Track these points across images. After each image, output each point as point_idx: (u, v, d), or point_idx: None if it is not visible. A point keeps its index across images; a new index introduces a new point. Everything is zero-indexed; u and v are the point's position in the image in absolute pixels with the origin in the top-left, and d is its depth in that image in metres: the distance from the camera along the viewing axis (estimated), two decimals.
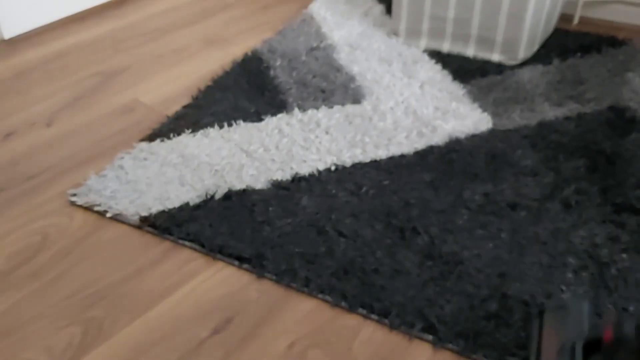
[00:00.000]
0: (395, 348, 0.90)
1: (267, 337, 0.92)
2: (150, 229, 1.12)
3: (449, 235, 1.07)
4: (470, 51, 1.65)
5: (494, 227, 1.09)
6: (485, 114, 1.40)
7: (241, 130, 1.36)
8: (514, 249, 1.04)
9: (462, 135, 1.33)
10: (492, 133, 1.34)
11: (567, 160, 1.25)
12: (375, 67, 1.60)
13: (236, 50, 1.73)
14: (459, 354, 0.88)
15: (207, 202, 1.16)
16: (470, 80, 1.54)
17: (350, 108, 1.43)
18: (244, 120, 1.40)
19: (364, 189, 1.18)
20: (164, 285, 1.01)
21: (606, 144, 1.29)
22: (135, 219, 1.13)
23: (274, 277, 1.01)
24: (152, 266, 1.05)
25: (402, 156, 1.27)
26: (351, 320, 0.94)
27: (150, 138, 1.35)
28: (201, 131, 1.36)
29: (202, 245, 1.07)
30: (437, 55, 1.66)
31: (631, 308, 0.93)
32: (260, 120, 1.40)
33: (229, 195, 1.17)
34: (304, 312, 0.96)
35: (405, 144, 1.31)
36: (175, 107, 1.47)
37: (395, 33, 1.75)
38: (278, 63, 1.62)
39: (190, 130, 1.37)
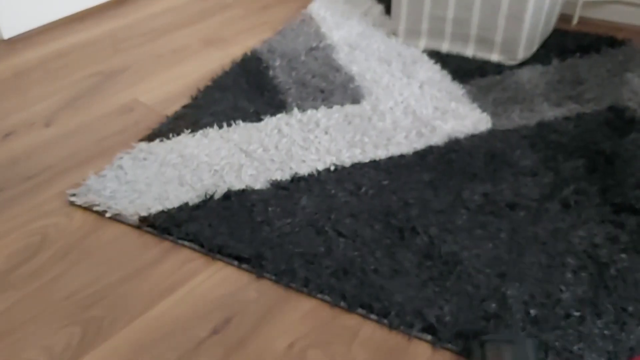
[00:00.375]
0: (394, 348, 0.90)
1: (267, 337, 0.92)
2: (149, 229, 1.12)
3: (448, 235, 1.07)
4: (469, 51, 1.66)
5: (493, 227, 1.09)
6: (485, 114, 1.40)
7: (240, 130, 1.36)
8: (513, 249, 1.04)
9: (461, 135, 1.33)
10: (491, 133, 1.34)
11: (566, 160, 1.25)
12: (375, 67, 1.60)
13: (235, 50, 1.73)
14: (458, 354, 0.88)
15: (207, 202, 1.16)
16: (469, 80, 1.54)
17: (349, 108, 1.44)
18: (244, 120, 1.40)
19: (363, 189, 1.18)
20: (163, 285, 1.01)
21: (605, 144, 1.29)
22: (134, 219, 1.13)
23: (273, 277, 1.01)
24: (151, 266, 1.05)
25: (402, 156, 1.27)
26: (350, 320, 0.94)
27: (150, 138, 1.35)
28: (200, 131, 1.36)
29: (202, 245, 1.07)
30: (436, 56, 1.66)
31: (630, 308, 0.93)
32: (259, 120, 1.40)
33: (228, 195, 1.17)
34: (304, 312, 0.96)
35: (404, 144, 1.31)
36: (174, 107, 1.47)
37: (394, 33, 1.75)
38: (277, 63, 1.62)
39: (189, 130, 1.37)
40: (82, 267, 1.05)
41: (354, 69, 1.59)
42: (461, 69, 1.58)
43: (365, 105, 1.45)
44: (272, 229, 1.10)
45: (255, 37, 1.81)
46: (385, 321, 0.93)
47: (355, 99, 1.47)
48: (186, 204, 1.15)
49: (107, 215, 1.15)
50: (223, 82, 1.55)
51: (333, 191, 1.18)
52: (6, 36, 1.82)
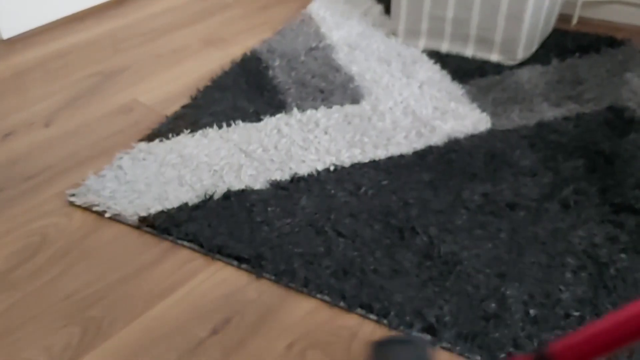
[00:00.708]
0: None
1: (266, 337, 0.92)
2: (149, 229, 1.11)
3: (448, 235, 1.07)
4: (469, 51, 1.66)
5: (493, 227, 1.09)
6: (484, 114, 1.40)
7: (240, 131, 1.36)
8: (513, 249, 1.04)
9: (461, 136, 1.33)
10: (491, 133, 1.34)
11: (566, 161, 1.25)
12: (374, 67, 1.60)
13: (235, 51, 1.73)
14: (457, 354, 0.88)
15: (206, 202, 1.16)
16: (469, 80, 1.54)
17: (349, 108, 1.44)
18: (243, 121, 1.40)
19: (363, 189, 1.18)
20: (162, 286, 1.01)
21: (605, 144, 1.29)
22: (134, 219, 1.13)
23: (272, 277, 1.01)
24: (151, 266, 1.05)
25: (401, 156, 1.27)
26: (350, 320, 0.94)
27: (149, 138, 1.35)
28: (200, 131, 1.36)
29: (201, 246, 1.07)
30: (436, 56, 1.66)
31: None
32: (259, 120, 1.40)
33: (227, 196, 1.17)
34: (303, 312, 0.96)
35: (404, 144, 1.31)
36: (174, 107, 1.47)
37: (394, 33, 1.75)
38: (277, 63, 1.62)
39: (189, 131, 1.37)
40: (81, 267, 1.05)
41: (354, 69, 1.59)
42: (461, 69, 1.58)
43: (365, 105, 1.45)
44: (272, 229, 1.10)
45: (255, 37, 1.81)
46: (385, 321, 0.93)
47: (355, 99, 1.47)
48: (186, 204, 1.15)
49: (107, 215, 1.15)
50: (223, 82, 1.55)
51: (333, 191, 1.18)
52: (6, 36, 1.82)
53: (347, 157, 1.27)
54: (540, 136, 1.32)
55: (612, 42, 1.67)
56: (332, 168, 1.24)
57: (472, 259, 1.02)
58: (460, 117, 1.39)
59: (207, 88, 1.53)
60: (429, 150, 1.29)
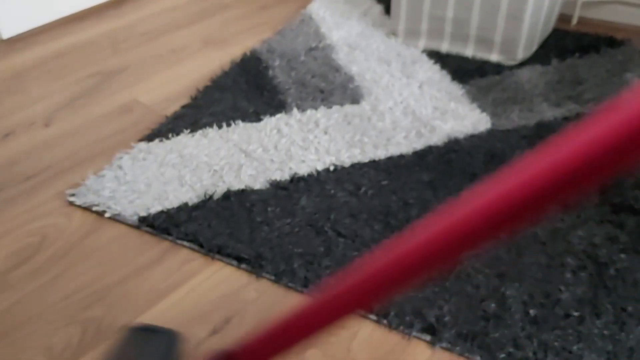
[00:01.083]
0: (393, 348, 0.90)
1: None
2: (148, 229, 1.11)
3: None
4: (469, 51, 1.66)
5: None
6: (484, 114, 1.40)
7: (240, 131, 1.36)
8: (512, 249, 1.04)
9: (460, 136, 1.33)
10: (490, 133, 1.34)
11: None
12: (374, 67, 1.60)
13: (235, 51, 1.73)
14: (457, 354, 0.88)
15: (206, 202, 1.16)
16: (469, 80, 1.54)
17: (349, 108, 1.43)
18: (243, 121, 1.40)
19: (363, 189, 1.18)
20: (162, 286, 1.01)
21: None
22: (134, 219, 1.13)
23: (272, 277, 1.01)
24: (150, 266, 1.05)
25: (401, 156, 1.27)
26: (349, 321, 0.94)
27: (149, 138, 1.35)
28: (200, 131, 1.36)
29: (201, 246, 1.07)
30: (436, 56, 1.66)
31: (629, 308, 0.93)
32: (259, 120, 1.40)
33: (227, 196, 1.17)
34: None
35: (404, 144, 1.31)
36: (174, 107, 1.47)
37: (394, 33, 1.75)
38: (277, 63, 1.62)
39: (189, 131, 1.37)
40: (81, 267, 1.05)
41: (354, 69, 1.59)
42: (461, 69, 1.58)
43: (365, 105, 1.44)
44: (272, 229, 1.10)
45: (255, 37, 1.81)
46: (385, 321, 0.93)
47: (355, 99, 1.47)
48: (185, 204, 1.15)
49: (107, 215, 1.15)
50: (222, 82, 1.55)
51: (332, 191, 1.18)
52: (5, 36, 1.82)
53: (347, 157, 1.27)
54: (540, 136, 1.32)
55: (612, 42, 1.67)
56: (332, 168, 1.24)
57: (472, 259, 1.02)
58: (460, 117, 1.39)
59: (207, 88, 1.53)
60: (429, 150, 1.29)
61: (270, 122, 1.39)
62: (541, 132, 1.33)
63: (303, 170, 1.24)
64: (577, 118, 1.38)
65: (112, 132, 1.40)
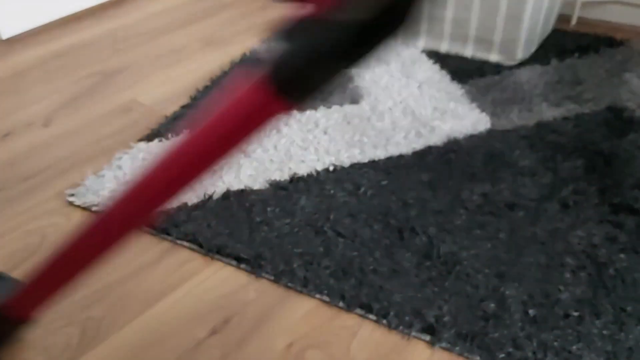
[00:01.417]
0: (393, 348, 0.90)
1: (266, 337, 0.92)
2: (148, 229, 1.11)
3: (447, 236, 1.07)
4: (468, 51, 1.66)
5: (492, 227, 1.09)
6: (484, 114, 1.40)
7: None
8: (512, 249, 1.04)
9: (460, 136, 1.33)
10: (490, 133, 1.34)
11: (565, 161, 1.25)
12: (374, 67, 1.60)
13: (234, 51, 1.73)
14: (457, 354, 0.88)
15: (205, 202, 1.16)
16: (468, 80, 1.54)
17: (348, 108, 1.44)
18: None
19: (362, 189, 1.18)
20: (162, 286, 1.01)
21: (604, 144, 1.29)
22: None
23: (272, 278, 1.01)
24: (150, 266, 1.05)
25: (401, 156, 1.27)
26: (349, 321, 0.94)
27: (149, 138, 1.35)
28: None
29: (200, 246, 1.07)
30: (435, 56, 1.66)
31: (629, 308, 0.94)
32: None
33: (227, 196, 1.17)
34: (302, 312, 0.96)
35: (403, 144, 1.31)
36: (173, 107, 1.47)
37: None
38: None
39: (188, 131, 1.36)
40: None
41: (353, 69, 1.58)
42: (460, 69, 1.58)
43: (364, 105, 1.45)
44: (271, 229, 1.09)
45: (254, 37, 1.81)
46: (384, 321, 0.93)
47: (354, 99, 1.47)
48: (185, 204, 1.15)
49: None
50: (222, 82, 1.55)
51: (332, 191, 1.18)
52: (5, 36, 1.82)
53: (347, 157, 1.27)
54: (540, 136, 1.32)
55: (611, 43, 1.67)
56: (331, 168, 1.24)
57: (471, 259, 1.02)
58: (459, 117, 1.39)
59: (206, 88, 1.53)
60: (428, 150, 1.29)
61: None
62: (540, 132, 1.33)
63: (302, 170, 1.24)
64: (576, 118, 1.38)
65: (112, 132, 1.40)
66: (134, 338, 0.92)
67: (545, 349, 0.88)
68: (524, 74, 1.55)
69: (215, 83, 1.55)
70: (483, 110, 1.42)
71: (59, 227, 1.13)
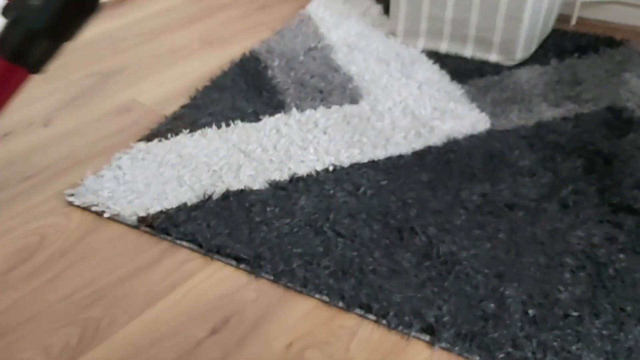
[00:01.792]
0: (393, 348, 0.90)
1: (265, 337, 0.92)
2: (148, 229, 1.11)
3: (447, 236, 1.07)
4: (468, 52, 1.66)
5: (491, 227, 1.09)
6: (483, 114, 1.40)
7: (239, 131, 1.36)
8: (511, 249, 1.05)
9: (459, 136, 1.33)
10: (489, 133, 1.34)
11: (564, 161, 1.25)
12: (373, 67, 1.60)
13: (234, 51, 1.73)
14: (456, 354, 0.88)
15: (205, 203, 1.16)
16: (468, 80, 1.54)
17: (348, 108, 1.44)
18: (242, 121, 1.40)
19: (362, 189, 1.18)
20: (161, 286, 1.01)
21: (603, 144, 1.29)
22: (133, 219, 1.13)
23: (271, 278, 1.01)
24: (149, 266, 1.05)
25: (400, 156, 1.27)
26: (349, 321, 0.94)
27: (148, 138, 1.35)
28: (199, 131, 1.36)
29: (200, 246, 1.07)
30: (435, 56, 1.66)
31: (628, 308, 0.94)
32: (258, 120, 1.40)
33: (226, 196, 1.17)
34: (302, 312, 0.96)
35: (403, 144, 1.31)
36: (173, 107, 1.47)
37: (393, 33, 1.75)
38: (276, 63, 1.62)
39: (188, 131, 1.37)
40: (80, 267, 1.05)
41: (353, 69, 1.59)
42: (460, 69, 1.59)
43: (364, 105, 1.45)
44: (271, 229, 1.10)
45: (254, 37, 1.81)
46: (384, 321, 0.93)
47: (354, 99, 1.47)
48: (185, 204, 1.15)
49: (106, 215, 1.15)
50: (221, 82, 1.55)
51: (332, 191, 1.18)
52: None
53: (346, 157, 1.27)
54: (539, 136, 1.32)
55: (611, 43, 1.67)
56: (331, 168, 1.24)
57: (471, 259, 1.03)
58: (459, 117, 1.39)
59: (206, 88, 1.53)
60: (428, 150, 1.29)
61: (269, 122, 1.39)
62: (540, 132, 1.34)
63: (302, 170, 1.24)
64: (576, 118, 1.38)
65: (111, 132, 1.40)
66: (133, 338, 0.92)
67: (544, 349, 0.88)
68: (524, 74, 1.55)
69: (215, 83, 1.55)
70: (483, 110, 1.42)
71: (59, 227, 1.13)
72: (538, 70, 1.57)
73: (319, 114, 1.41)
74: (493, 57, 1.62)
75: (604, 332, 0.90)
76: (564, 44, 1.68)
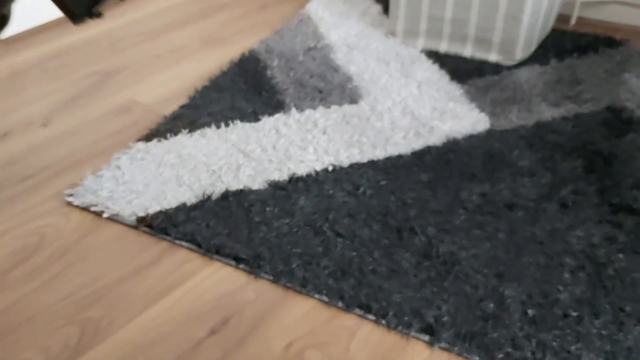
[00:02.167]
0: (392, 348, 0.90)
1: (265, 337, 0.92)
2: (147, 229, 1.11)
3: (446, 236, 1.07)
4: (467, 51, 1.66)
5: (491, 227, 1.09)
6: (483, 114, 1.40)
7: (238, 131, 1.36)
8: (511, 249, 1.05)
9: (459, 136, 1.33)
10: (489, 133, 1.34)
11: (564, 161, 1.25)
12: (373, 67, 1.60)
13: (233, 50, 1.73)
14: (456, 354, 0.88)
15: (204, 203, 1.16)
16: (467, 80, 1.54)
17: (347, 108, 1.44)
18: (241, 121, 1.40)
19: (362, 189, 1.18)
20: (161, 286, 1.01)
21: (603, 144, 1.29)
22: (132, 219, 1.13)
23: (271, 278, 1.01)
24: (149, 267, 1.05)
25: (400, 156, 1.27)
26: (348, 321, 0.94)
27: (147, 138, 1.35)
28: (198, 131, 1.36)
29: (199, 246, 1.07)
30: (434, 56, 1.66)
31: (628, 308, 0.94)
32: (257, 120, 1.40)
33: (226, 196, 1.17)
34: (302, 312, 0.96)
35: (402, 144, 1.31)
36: (172, 107, 1.47)
37: (392, 33, 1.75)
38: (275, 63, 1.62)
39: (187, 131, 1.37)
40: (79, 267, 1.05)
41: (352, 69, 1.59)
42: (459, 69, 1.59)
43: (364, 105, 1.45)
44: (270, 229, 1.09)
45: (253, 37, 1.81)
46: (383, 321, 0.93)
47: (354, 99, 1.47)
48: (184, 204, 1.15)
49: (105, 215, 1.15)
50: (221, 82, 1.55)
51: (331, 191, 1.18)
52: (3, 36, 1.82)
53: (346, 157, 1.27)
54: (539, 136, 1.32)
55: (611, 43, 1.67)
56: (330, 168, 1.24)
57: (471, 259, 1.03)
58: (458, 117, 1.39)
59: (205, 88, 1.53)
60: (428, 150, 1.29)
61: (268, 122, 1.39)
62: (540, 132, 1.34)
63: (301, 170, 1.24)
64: (575, 118, 1.38)
65: (111, 132, 1.40)
66: (133, 338, 0.92)
67: (544, 349, 0.88)
68: (523, 74, 1.55)
69: (214, 83, 1.55)
70: (482, 110, 1.42)
71: (58, 227, 1.13)
72: (538, 70, 1.57)
73: (318, 114, 1.41)
74: (492, 57, 1.62)
75: (604, 332, 0.90)
76: (564, 43, 1.68)
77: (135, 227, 1.12)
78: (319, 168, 1.24)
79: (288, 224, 1.10)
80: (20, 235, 1.12)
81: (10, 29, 1.83)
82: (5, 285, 1.02)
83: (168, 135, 1.35)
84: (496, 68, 1.59)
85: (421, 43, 1.70)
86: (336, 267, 1.01)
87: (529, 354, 0.87)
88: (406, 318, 0.93)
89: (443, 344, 0.89)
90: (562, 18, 1.84)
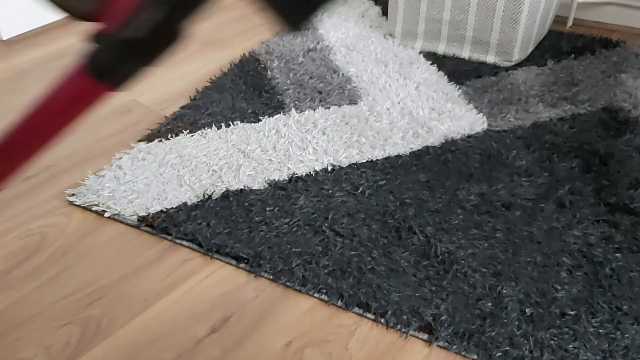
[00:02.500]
0: (391, 347, 0.91)
1: (264, 336, 0.93)
2: (148, 228, 1.12)
3: (445, 235, 1.08)
4: (465, 53, 1.67)
5: (488, 226, 1.10)
6: (480, 114, 1.41)
7: (239, 131, 1.37)
8: (508, 249, 1.05)
9: (457, 136, 1.34)
10: (487, 134, 1.35)
11: (561, 161, 1.26)
12: (372, 68, 1.61)
13: (234, 52, 1.74)
14: (454, 353, 0.89)
15: (205, 202, 1.16)
16: (465, 81, 1.55)
17: (346, 109, 1.44)
18: (242, 121, 1.40)
19: (361, 189, 1.19)
20: (161, 285, 1.02)
21: (600, 144, 1.30)
22: (133, 219, 1.14)
23: (271, 277, 1.02)
24: (150, 266, 1.05)
25: (398, 156, 1.28)
26: (347, 319, 0.95)
27: (149, 138, 1.36)
28: (199, 132, 1.37)
29: (200, 245, 1.08)
30: (432, 57, 1.67)
31: (624, 307, 0.94)
32: (257, 120, 1.41)
33: (226, 195, 1.18)
34: (301, 311, 0.96)
35: (401, 144, 1.32)
36: (173, 108, 1.48)
37: (391, 35, 1.76)
38: (275, 64, 1.63)
39: (188, 131, 1.37)
40: (80, 266, 1.05)
41: (351, 70, 1.60)
42: (457, 70, 1.59)
43: (363, 106, 1.45)
44: (270, 228, 1.10)
45: (253, 38, 1.82)
46: (382, 320, 0.94)
47: (353, 99, 1.48)
48: (185, 203, 1.16)
49: (106, 215, 1.15)
50: (221, 83, 1.56)
51: (330, 191, 1.19)
52: (5, 37, 1.83)
53: (345, 157, 1.28)
54: (536, 137, 1.33)
55: (607, 44, 1.68)
56: (329, 168, 1.25)
57: (469, 259, 1.03)
58: (456, 117, 1.40)
59: (206, 89, 1.54)
60: (426, 150, 1.30)
61: (268, 123, 1.39)
62: (537, 132, 1.34)
63: (301, 170, 1.24)
64: (572, 118, 1.39)
65: (112, 132, 1.41)
66: (133, 337, 0.93)
67: (541, 348, 0.89)
68: (521, 75, 1.56)
69: (215, 83, 1.56)
70: (480, 110, 1.43)
71: (59, 226, 1.14)
72: (535, 71, 1.58)
73: (317, 115, 1.42)
74: (490, 58, 1.63)
75: (601, 330, 0.91)
76: (561, 45, 1.69)
77: (136, 227, 1.13)
78: (318, 168, 1.25)
79: (288, 224, 1.11)
80: (22, 235, 1.12)
81: (12, 30, 1.84)
82: (7, 284, 1.02)
83: (169, 135, 1.36)
84: (494, 69, 1.60)
85: (419, 44, 1.71)
86: (335, 266, 1.02)
87: (526, 353, 0.88)
88: (405, 317, 0.93)
89: (441, 343, 0.90)
90: (559, 20, 1.85)
